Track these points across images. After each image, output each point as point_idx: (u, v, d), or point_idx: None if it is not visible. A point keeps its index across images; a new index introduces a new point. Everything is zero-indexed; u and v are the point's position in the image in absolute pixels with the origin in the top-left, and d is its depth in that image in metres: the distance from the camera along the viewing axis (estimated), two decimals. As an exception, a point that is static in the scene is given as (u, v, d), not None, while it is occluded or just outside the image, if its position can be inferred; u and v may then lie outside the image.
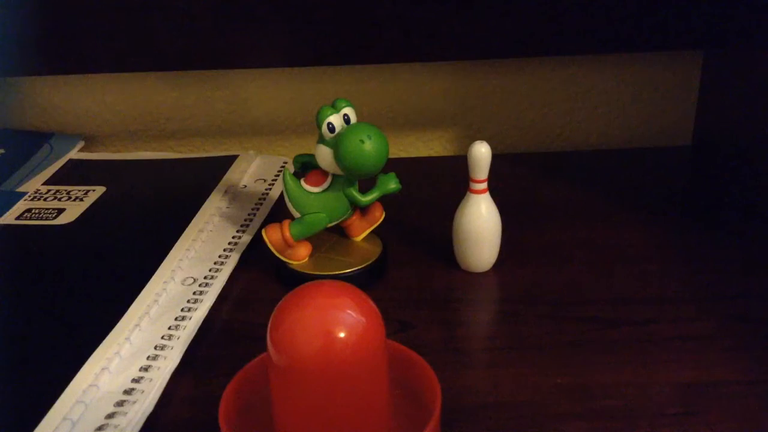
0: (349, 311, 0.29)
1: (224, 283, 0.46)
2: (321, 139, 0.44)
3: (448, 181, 0.60)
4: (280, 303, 0.30)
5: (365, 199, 0.46)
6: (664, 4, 0.61)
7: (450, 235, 0.47)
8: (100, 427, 0.34)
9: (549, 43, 0.63)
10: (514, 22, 0.61)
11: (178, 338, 0.41)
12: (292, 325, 0.28)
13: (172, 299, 0.44)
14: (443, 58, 0.65)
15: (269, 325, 0.29)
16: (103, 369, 0.38)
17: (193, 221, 0.53)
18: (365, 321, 0.29)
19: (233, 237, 0.51)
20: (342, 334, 0.28)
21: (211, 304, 0.44)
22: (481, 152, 0.44)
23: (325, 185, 0.46)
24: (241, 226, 0.53)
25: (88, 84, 0.68)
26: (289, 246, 0.46)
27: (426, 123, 0.69)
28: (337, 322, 0.28)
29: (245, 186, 0.59)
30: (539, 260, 0.49)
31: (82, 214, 0.55)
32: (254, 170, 0.62)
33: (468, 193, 0.46)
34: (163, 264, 0.47)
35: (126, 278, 0.46)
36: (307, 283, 0.30)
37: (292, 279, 0.46)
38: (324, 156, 0.44)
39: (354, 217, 0.48)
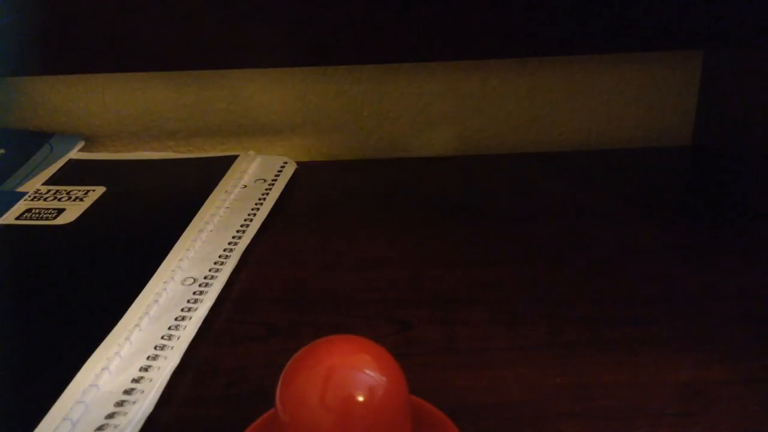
0: (367, 371, 0.26)
1: (224, 283, 0.46)
2: None
3: (448, 180, 0.60)
4: (289, 364, 0.27)
5: None
6: (664, 4, 0.60)
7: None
8: (100, 427, 0.34)
9: (549, 43, 0.63)
10: (513, 22, 0.61)
11: (178, 338, 0.41)
12: (304, 391, 0.25)
13: (172, 299, 0.44)
14: (443, 58, 0.65)
15: (278, 392, 0.26)
16: (103, 369, 0.38)
17: (193, 221, 0.53)
18: (386, 381, 0.26)
19: (233, 237, 0.51)
20: (361, 398, 0.25)
21: (211, 304, 0.44)
22: None
23: None
24: (241, 226, 0.53)
25: (88, 84, 0.68)
26: None
27: (426, 123, 0.69)
28: (355, 385, 0.25)
29: (245, 186, 0.59)
30: (539, 260, 0.48)
31: (82, 214, 0.55)
32: (254, 170, 0.62)
33: None
34: (163, 264, 0.47)
35: (126, 278, 0.46)
36: (318, 341, 0.27)
37: None
38: None
39: None
